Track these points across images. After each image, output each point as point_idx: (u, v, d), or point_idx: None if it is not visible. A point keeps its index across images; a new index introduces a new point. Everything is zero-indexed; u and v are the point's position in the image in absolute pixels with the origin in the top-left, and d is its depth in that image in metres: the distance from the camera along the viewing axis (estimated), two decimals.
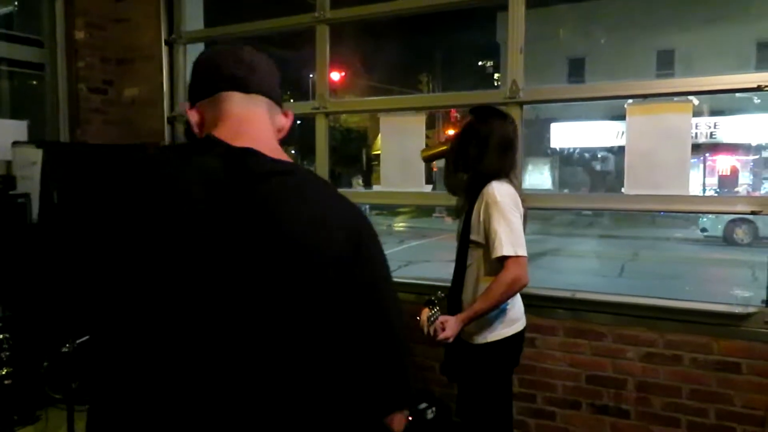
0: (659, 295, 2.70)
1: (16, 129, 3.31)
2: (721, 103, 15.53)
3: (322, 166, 3.34)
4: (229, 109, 0.99)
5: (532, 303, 2.43)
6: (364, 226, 0.98)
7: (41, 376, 2.99)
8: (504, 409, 2.26)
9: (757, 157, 17.92)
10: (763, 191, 16.56)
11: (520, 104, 2.78)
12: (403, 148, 3.08)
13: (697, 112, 2.95)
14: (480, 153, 2.16)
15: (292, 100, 8.61)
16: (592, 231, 14.34)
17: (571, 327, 2.68)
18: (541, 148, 19.02)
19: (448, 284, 2.30)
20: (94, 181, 0.94)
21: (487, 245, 2.11)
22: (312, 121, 3.34)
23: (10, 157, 3.13)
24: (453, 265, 2.28)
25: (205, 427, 0.85)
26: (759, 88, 2.35)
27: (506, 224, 2.05)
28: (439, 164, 2.56)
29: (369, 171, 23.00)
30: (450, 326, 2.08)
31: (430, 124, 20.35)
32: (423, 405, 2.73)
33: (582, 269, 9.77)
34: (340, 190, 1.07)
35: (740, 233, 12.43)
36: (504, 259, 2.03)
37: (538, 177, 19.64)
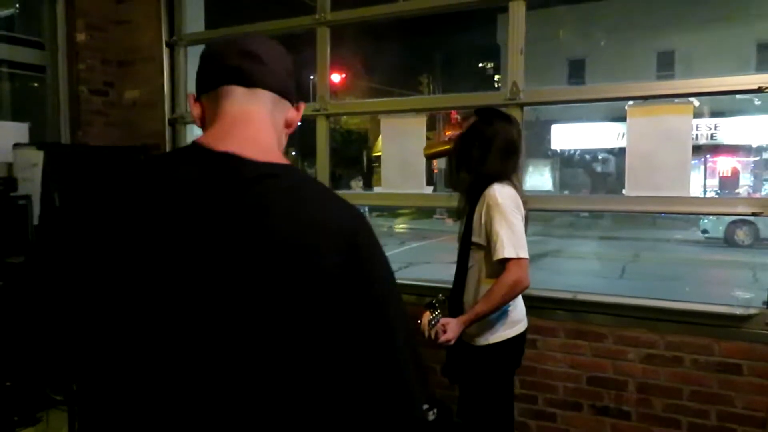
0: (660, 297, 2.69)
1: (17, 131, 3.32)
2: (722, 104, 15.51)
3: (322, 167, 3.35)
4: (225, 106, 0.97)
5: (533, 304, 2.43)
6: (362, 228, 0.94)
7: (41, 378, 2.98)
8: (505, 410, 2.26)
9: (757, 158, 17.90)
10: (763, 193, 16.57)
11: (521, 106, 2.77)
12: (403, 150, 3.07)
13: (697, 114, 2.96)
14: (483, 155, 2.15)
15: None
16: (593, 232, 14.33)
17: (572, 328, 2.68)
18: (541, 150, 19.01)
19: (449, 286, 2.30)
20: (82, 201, 0.93)
21: (488, 247, 2.10)
22: (313, 122, 3.34)
23: (11, 159, 3.14)
24: (454, 266, 2.28)
25: None
26: (759, 90, 2.35)
27: (508, 226, 2.04)
28: (439, 165, 2.56)
29: (370, 173, 22.98)
30: (451, 329, 2.08)
31: (431, 126, 20.36)
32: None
33: (583, 270, 9.77)
34: (340, 192, 1.05)
35: (741, 235, 12.43)
36: (505, 261, 2.03)
37: (539, 178, 19.62)
